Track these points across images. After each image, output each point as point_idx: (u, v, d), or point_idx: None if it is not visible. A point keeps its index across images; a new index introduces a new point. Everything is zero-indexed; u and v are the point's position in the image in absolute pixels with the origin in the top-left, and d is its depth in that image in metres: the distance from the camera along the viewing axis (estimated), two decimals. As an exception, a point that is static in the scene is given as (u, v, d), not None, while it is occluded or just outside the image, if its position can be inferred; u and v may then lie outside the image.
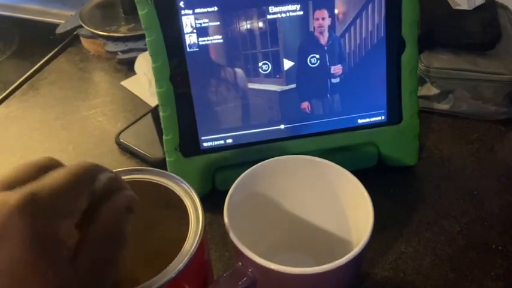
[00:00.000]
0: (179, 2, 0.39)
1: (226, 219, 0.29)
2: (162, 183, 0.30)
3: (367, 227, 0.29)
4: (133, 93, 0.59)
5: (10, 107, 0.59)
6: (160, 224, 0.32)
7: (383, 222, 0.43)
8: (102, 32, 0.65)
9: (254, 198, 0.33)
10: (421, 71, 0.51)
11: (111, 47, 0.64)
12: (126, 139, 0.51)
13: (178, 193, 0.29)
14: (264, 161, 0.34)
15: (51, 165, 0.24)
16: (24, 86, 0.62)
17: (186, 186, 0.30)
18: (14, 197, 0.21)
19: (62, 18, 0.76)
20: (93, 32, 0.66)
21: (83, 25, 0.67)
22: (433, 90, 0.52)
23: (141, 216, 0.29)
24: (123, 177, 0.29)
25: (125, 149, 0.51)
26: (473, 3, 0.52)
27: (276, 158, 0.34)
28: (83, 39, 0.69)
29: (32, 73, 0.64)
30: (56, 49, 0.69)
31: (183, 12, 0.39)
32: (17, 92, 0.61)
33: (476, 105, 0.51)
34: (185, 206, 0.29)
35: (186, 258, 0.26)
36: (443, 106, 0.53)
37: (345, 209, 0.33)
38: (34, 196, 0.21)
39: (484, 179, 0.47)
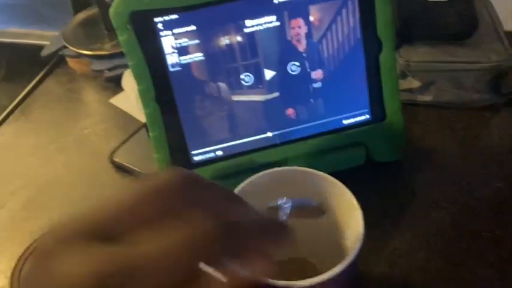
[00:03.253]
0: (157, 24, 0.40)
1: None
2: None
3: (358, 235, 0.30)
4: (122, 110, 0.60)
5: (4, 134, 0.60)
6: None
7: (375, 218, 0.44)
8: (86, 51, 0.66)
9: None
10: (401, 66, 0.52)
11: (97, 65, 0.64)
12: (120, 157, 0.52)
13: None
14: (256, 174, 0.35)
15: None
16: (16, 112, 0.63)
17: None
18: (87, 280, 0.16)
19: (46, 39, 0.76)
20: (77, 52, 0.67)
21: (67, 45, 0.68)
22: (415, 83, 0.53)
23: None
24: None
25: (119, 167, 0.52)
26: (447, -6, 0.53)
27: (268, 170, 0.35)
28: (68, 60, 0.69)
29: (22, 98, 0.65)
30: (43, 71, 0.70)
31: (162, 33, 0.40)
32: (10, 118, 0.62)
33: (458, 94, 0.53)
34: None
35: None
36: (426, 98, 0.54)
37: (337, 216, 0.34)
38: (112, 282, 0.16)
39: (471, 167, 0.48)
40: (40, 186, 0.52)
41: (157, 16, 0.40)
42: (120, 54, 0.65)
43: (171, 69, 0.41)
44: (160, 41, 0.40)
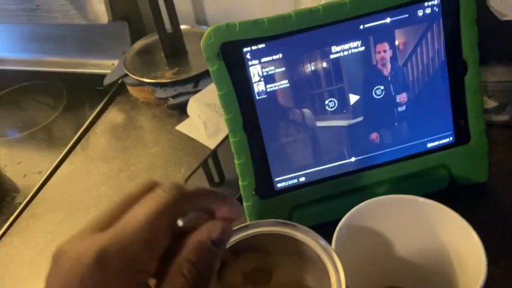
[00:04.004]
0: (246, 54, 0.40)
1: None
2: (297, 238, 0.30)
3: (478, 270, 0.29)
4: (189, 137, 0.61)
5: (74, 163, 0.61)
6: (287, 274, 0.32)
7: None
8: (148, 79, 0.67)
9: (355, 240, 0.34)
10: (477, 86, 0.51)
11: (161, 93, 0.65)
12: (194, 185, 0.52)
13: (314, 248, 0.29)
14: (365, 202, 0.34)
15: (142, 193, 0.25)
16: (83, 141, 0.64)
17: (324, 243, 0.29)
18: (87, 255, 0.22)
19: (104, 68, 0.78)
20: (139, 80, 0.68)
21: (129, 74, 0.69)
22: (491, 103, 0.52)
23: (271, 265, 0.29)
24: (257, 230, 0.30)
25: (194, 195, 0.52)
26: (520, 12, 0.52)
27: (377, 198, 0.34)
28: (130, 88, 0.71)
29: (87, 126, 0.67)
30: (105, 100, 0.71)
31: (250, 63, 0.41)
32: (78, 147, 0.63)
33: (536, 113, 0.51)
34: (323, 263, 0.29)
35: None
36: (503, 117, 0.53)
37: (446, 245, 0.33)
38: (104, 255, 0.22)
39: (559, 188, 0.46)
40: (116, 215, 0.52)
41: (246, 46, 0.40)
42: (183, 82, 0.66)
43: (258, 97, 0.42)
44: (248, 70, 0.41)
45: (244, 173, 0.43)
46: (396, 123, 0.44)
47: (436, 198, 0.42)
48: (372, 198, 0.35)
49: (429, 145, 0.45)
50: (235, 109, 0.41)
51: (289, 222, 0.30)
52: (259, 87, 0.41)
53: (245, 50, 0.40)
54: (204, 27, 0.77)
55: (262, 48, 0.40)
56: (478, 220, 0.45)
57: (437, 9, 0.41)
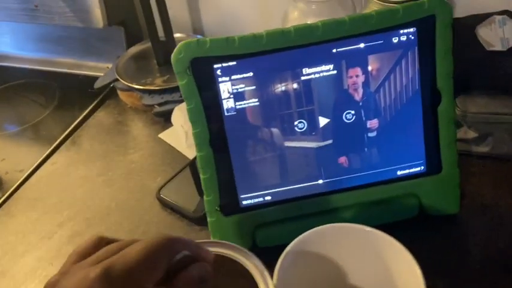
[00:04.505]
0: (216, 71, 0.40)
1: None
2: (233, 257, 0.30)
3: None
4: (171, 146, 0.61)
5: (55, 163, 0.61)
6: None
7: (429, 276, 0.42)
8: (138, 85, 0.68)
9: (302, 266, 0.33)
10: (457, 116, 0.50)
11: (148, 100, 0.66)
12: (166, 195, 0.53)
13: (247, 267, 0.30)
14: (312, 229, 0.34)
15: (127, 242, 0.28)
16: (67, 142, 0.65)
17: (259, 263, 0.30)
18: (94, 271, 0.25)
19: (98, 70, 0.79)
20: (129, 86, 0.68)
21: (119, 79, 0.70)
22: (471, 134, 0.51)
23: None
24: None
25: (165, 204, 0.52)
26: (507, 44, 0.52)
27: (325, 225, 0.34)
28: (119, 92, 0.71)
29: (73, 128, 0.67)
30: (95, 102, 0.72)
31: (220, 79, 0.41)
32: (61, 148, 0.64)
33: (517, 147, 0.50)
34: (255, 282, 0.29)
35: None
36: (483, 149, 0.52)
37: (394, 279, 0.33)
38: (110, 271, 0.25)
39: (531, 225, 0.45)
40: (87, 220, 0.53)
41: (216, 63, 0.40)
42: (171, 90, 0.67)
43: (226, 114, 0.42)
44: (218, 86, 0.41)
45: (209, 188, 0.43)
46: (366, 149, 0.44)
47: (403, 227, 0.42)
48: (338, 222, 0.35)
49: (399, 173, 0.45)
50: (202, 124, 0.41)
51: (228, 243, 0.30)
52: (228, 103, 0.41)
53: (215, 66, 0.40)
54: (200, 36, 0.77)
55: (233, 65, 0.40)
56: (444, 254, 0.44)
57: (413, 37, 0.41)
